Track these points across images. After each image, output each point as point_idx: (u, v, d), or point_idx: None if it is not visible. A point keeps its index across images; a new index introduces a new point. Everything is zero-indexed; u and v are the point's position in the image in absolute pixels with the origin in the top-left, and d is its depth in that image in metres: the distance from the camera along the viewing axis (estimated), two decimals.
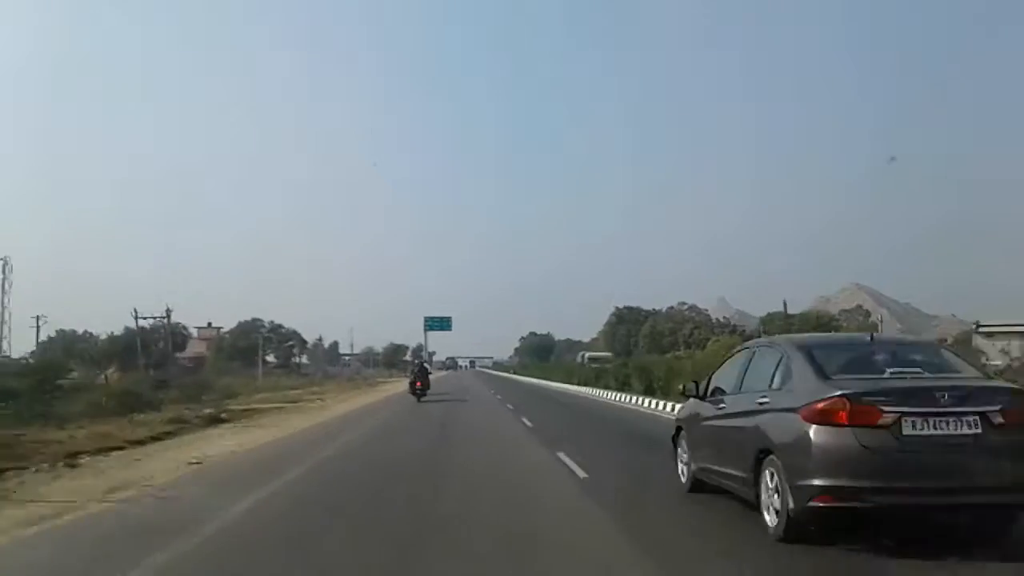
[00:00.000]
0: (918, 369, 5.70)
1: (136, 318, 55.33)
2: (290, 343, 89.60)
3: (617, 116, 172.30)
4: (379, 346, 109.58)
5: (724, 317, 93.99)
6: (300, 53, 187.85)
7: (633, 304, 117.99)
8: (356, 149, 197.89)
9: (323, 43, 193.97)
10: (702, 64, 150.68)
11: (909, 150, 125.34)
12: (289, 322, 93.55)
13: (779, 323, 54.63)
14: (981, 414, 4.92)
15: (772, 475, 5.49)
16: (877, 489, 4.89)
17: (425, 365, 35.01)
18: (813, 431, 5.06)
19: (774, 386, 5.93)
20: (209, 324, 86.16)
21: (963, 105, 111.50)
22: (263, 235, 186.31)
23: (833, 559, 5.19)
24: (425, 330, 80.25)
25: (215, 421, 21.00)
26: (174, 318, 58.64)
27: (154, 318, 56.22)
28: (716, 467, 6.84)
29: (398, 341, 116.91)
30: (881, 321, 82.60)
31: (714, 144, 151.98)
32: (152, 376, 48.02)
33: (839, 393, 5.07)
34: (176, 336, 66.80)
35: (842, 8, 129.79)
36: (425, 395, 29.10)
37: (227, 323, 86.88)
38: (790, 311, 57.68)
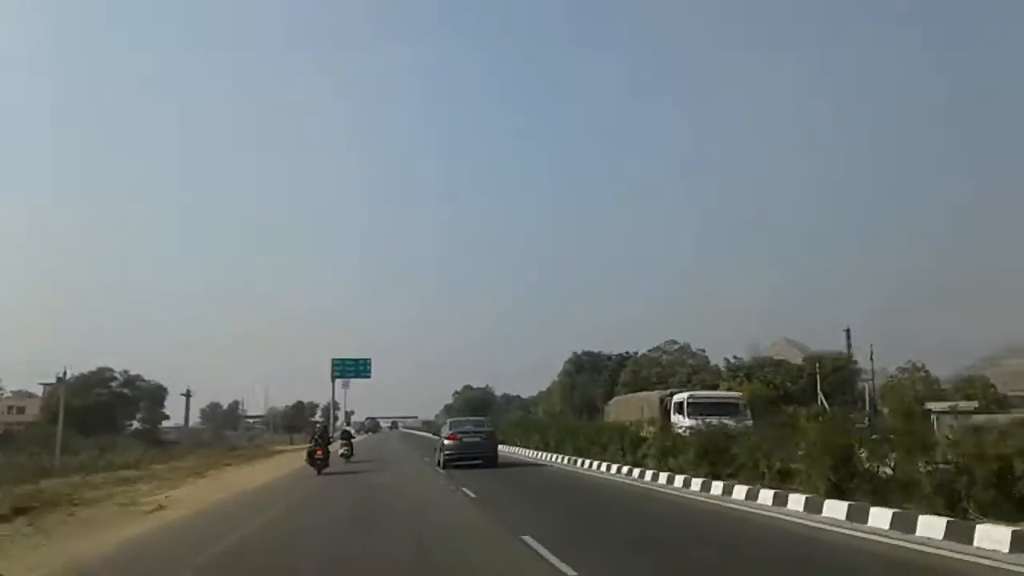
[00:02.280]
0: (470, 426, 27.69)
1: None
2: (158, 399, 66.22)
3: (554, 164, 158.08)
4: (290, 405, 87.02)
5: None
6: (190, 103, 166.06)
7: (593, 348, 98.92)
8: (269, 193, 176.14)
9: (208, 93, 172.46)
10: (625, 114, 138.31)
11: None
12: (183, 379, 70.87)
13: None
14: (481, 434, 26.30)
15: (438, 452, 26.56)
16: (455, 456, 25.08)
17: (348, 429, 36.53)
18: (447, 441, 25.73)
19: (441, 432, 28.30)
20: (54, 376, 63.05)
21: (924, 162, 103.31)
22: (146, 277, 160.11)
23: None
24: (333, 378, 57.34)
25: None
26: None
27: None
28: (437, 453, 26.74)
29: (313, 400, 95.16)
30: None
31: (658, 190, 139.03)
32: None
33: (450, 431, 26.37)
34: None
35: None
36: (327, 466, 25.51)
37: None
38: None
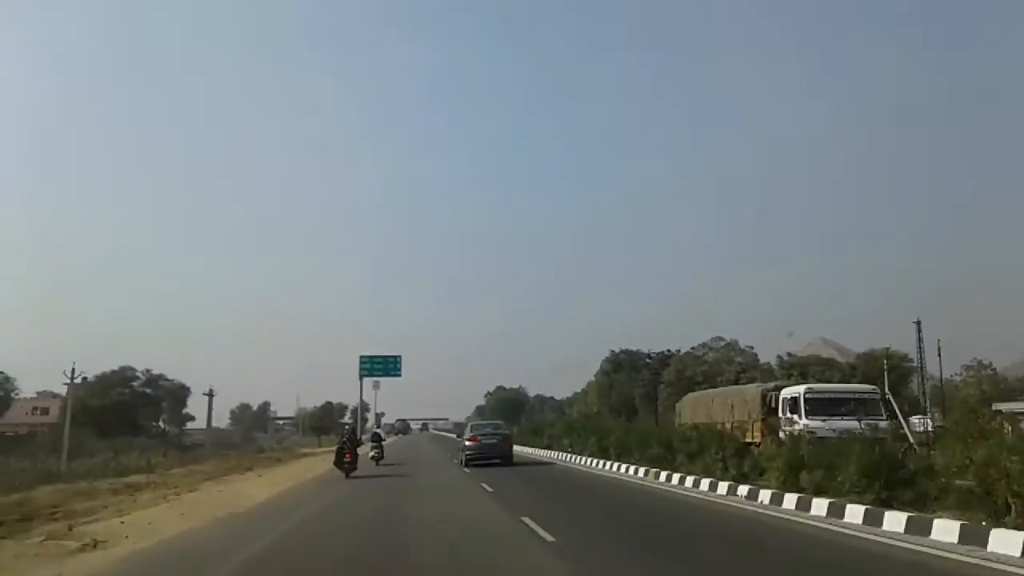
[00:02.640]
0: (490, 429, 30.80)
1: None
2: (182, 398, 63.77)
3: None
4: (319, 406, 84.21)
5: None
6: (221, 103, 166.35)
7: (631, 347, 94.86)
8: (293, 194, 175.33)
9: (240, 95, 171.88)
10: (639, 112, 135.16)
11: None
12: (212, 381, 68.60)
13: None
14: (498, 436, 29.04)
15: (461, 452, 29.74)
16: (476, 456, 27.58)
17: (378, 431, 37.77)
18: (468, 443, 28.53)
19: (464, 433, 31.83)
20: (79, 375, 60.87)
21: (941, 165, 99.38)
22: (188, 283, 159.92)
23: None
24: (361, 376, 53.64)
25: None
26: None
27: None
28: (460, 453, 29.84)
29: (343, 401, 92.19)
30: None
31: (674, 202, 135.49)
32: None
33: (471, 434, 29.36)
34: None
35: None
36: (356, 469, 24.82)
37: None
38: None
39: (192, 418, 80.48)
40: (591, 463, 26.89)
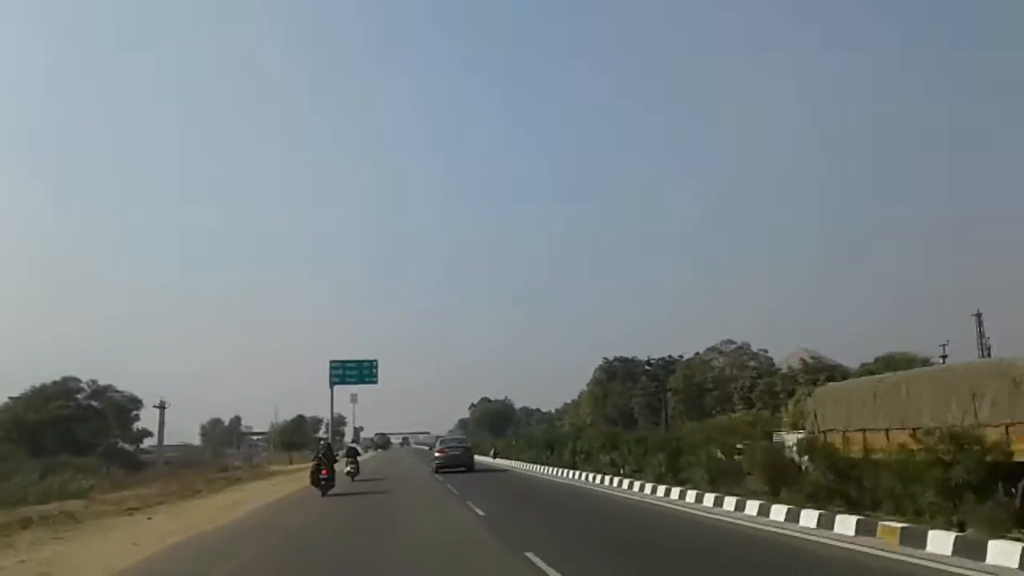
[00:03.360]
0: (455, 443, 38.34)
1: None
2: (132, 412, 56.84)
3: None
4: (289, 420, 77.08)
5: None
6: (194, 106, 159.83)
7: (626, 355, 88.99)
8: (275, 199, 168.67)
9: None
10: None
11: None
12: (192, 396, 61.80)
13: None
14: (461, 448, 36.09)
15: (433, 461, 36.71)
16: (443, 464, 33.95)
17: (354, 446, 39.19)
18: (437, 454, 36.11)
19: (435, 445, 42.61)
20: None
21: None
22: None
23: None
24: (332, 383, 46.23)
25: None
26: None
27: None
28: (432, 462, 36.53)
29: (318, 414, 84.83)
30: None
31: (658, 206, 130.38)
32: None
33: (440, 447, 37.25)
34: None
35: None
36: (333, 486, 23.64)
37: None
38: None
39: (149, 434, 73.59)
40: (643, 489, 19.22)
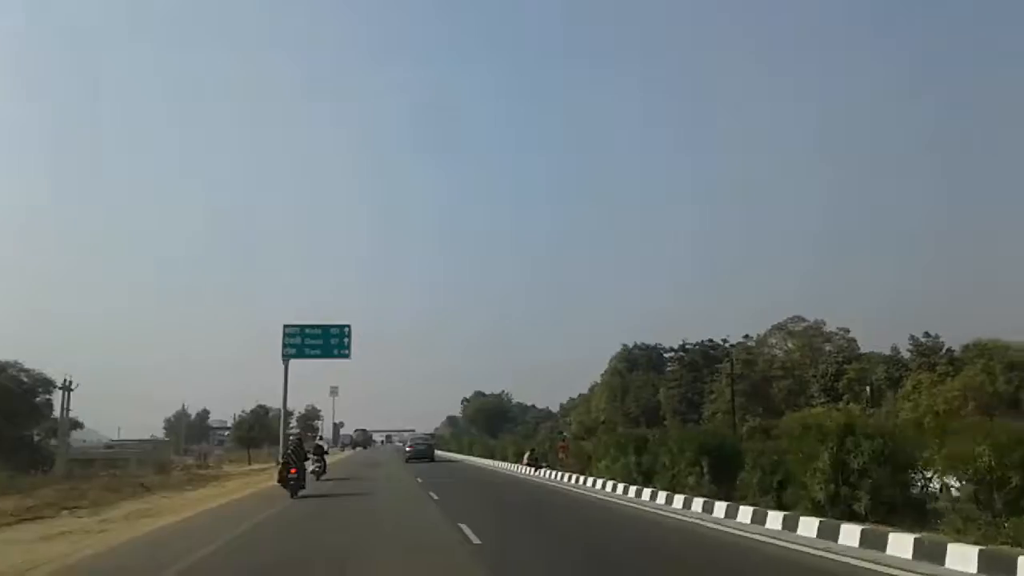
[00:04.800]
0: (421, 440, 54.47)
1: None
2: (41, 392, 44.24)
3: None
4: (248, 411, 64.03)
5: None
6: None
7: (649, 341, 77.17)
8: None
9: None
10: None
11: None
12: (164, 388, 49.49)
13: None
14: (426, 444, 51.30)
15: (404, 451, 54.38)
16: (411, 456, 46.68)
17: (320, 443, 33.46)
18: (407, 448, 51.63)
19: (406, 443, 59.85)
20: None
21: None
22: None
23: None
24: (285, 356, 32.54)
25: None
26: None
27: None
28: (405, 453, 50.86)
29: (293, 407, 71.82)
30: None
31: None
32: None
33: (410, 443, 54.17)
34: None
35: None
36: (304, 487, 21.73)
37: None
38: None
39: (80, 425, 60.99)
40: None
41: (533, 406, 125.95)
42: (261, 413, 59.40)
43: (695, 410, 55.78)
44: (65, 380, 40.56)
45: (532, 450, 33.91)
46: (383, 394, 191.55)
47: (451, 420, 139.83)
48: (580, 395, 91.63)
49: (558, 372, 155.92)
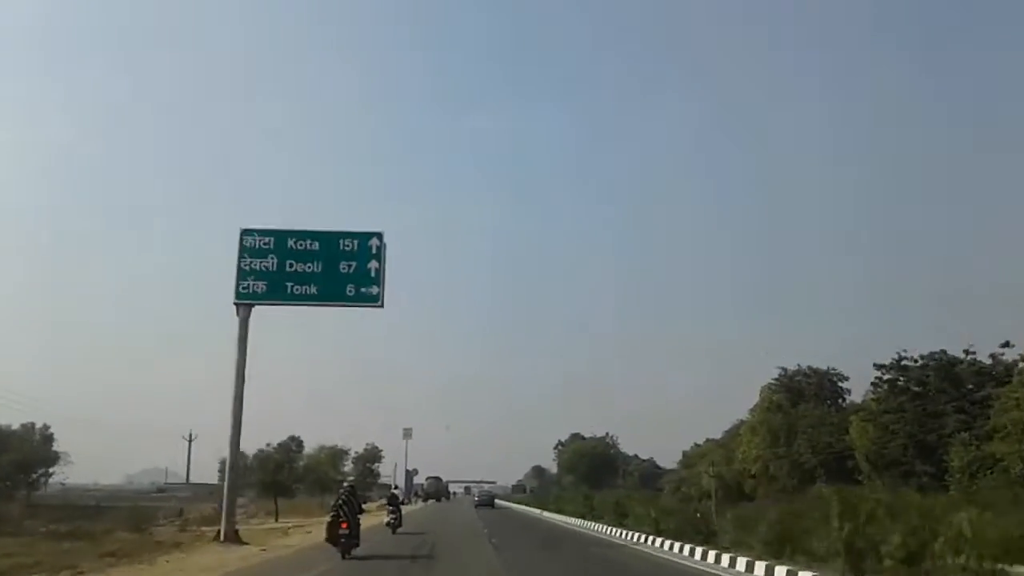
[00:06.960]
0: (486, 492, 79.08)
1: None
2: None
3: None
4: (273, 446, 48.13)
5: None
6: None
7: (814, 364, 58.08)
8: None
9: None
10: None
11: None
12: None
13: None
14: (489, 495, 73.72)
15: (475, 501, 74.45)
16: (479, 503, 66.43)
17: (396, 492, 31.45)
18: (475, 499, 77.98)
19: (475, 496, 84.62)
20: None
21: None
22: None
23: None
24: (241, 299, 14.18)
25: None
26: None
27: None
28: (475, 501, 73.34)
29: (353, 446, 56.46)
30: None
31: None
32: None
33: (476, 497, 78.24)
34: None
35: None
36: (357, 544, 18.20)
37: None
38: None
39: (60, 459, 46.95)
40: None
41: (636, 456, 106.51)
42: (288, 448, 43.18)
43: (929, 457, 36.46)
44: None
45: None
46: (460, 444, 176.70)
47: (536, 471, 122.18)
48: (707, 440, 72.04)
49: (660, 418, 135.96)
